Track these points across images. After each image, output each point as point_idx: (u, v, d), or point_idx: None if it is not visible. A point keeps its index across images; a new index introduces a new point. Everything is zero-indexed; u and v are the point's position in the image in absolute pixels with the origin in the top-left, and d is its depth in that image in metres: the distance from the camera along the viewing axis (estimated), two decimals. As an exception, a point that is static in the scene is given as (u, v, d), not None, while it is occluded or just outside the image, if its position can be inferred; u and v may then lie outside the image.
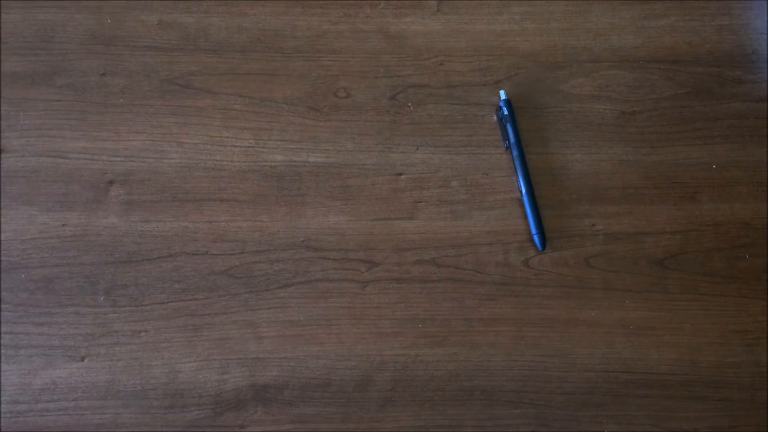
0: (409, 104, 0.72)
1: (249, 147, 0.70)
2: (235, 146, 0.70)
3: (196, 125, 0.70)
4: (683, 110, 0.73)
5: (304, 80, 0.73)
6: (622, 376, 0.64)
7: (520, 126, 0.71)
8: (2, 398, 0.61)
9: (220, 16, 0.75)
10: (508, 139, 0.70)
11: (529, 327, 0.65)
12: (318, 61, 0.73)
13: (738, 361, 0.65)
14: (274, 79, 0.72)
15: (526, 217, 0.68)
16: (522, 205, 0.68)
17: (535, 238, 0.67)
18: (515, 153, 0.70)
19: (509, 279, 0.66)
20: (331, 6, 0.76)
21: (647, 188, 0.70)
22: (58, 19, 0.73)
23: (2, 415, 0.60)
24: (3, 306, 0.63)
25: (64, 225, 0.66)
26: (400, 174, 0.70)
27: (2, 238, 0.65)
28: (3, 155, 0.68)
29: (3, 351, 0.62)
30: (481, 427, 0.62)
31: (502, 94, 0.72)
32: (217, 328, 0.63)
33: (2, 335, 0.62)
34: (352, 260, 0.66)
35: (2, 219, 0.66)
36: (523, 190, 0.68)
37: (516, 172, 0.69)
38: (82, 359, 0.62)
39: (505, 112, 0.71)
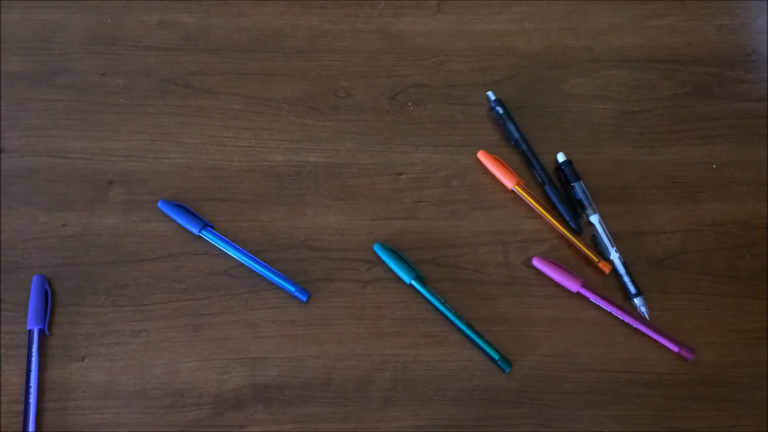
0: (409, 104, 0.72)
1: (249, 147, 0.70)
2: (235, 146, 0.70)
3: (196, 125, 0.70)
4: (683, 110, 0.73)
5: (304, 80, 0.73)
6: (622, 376, 0.64)
7: (519, 126, 0.71)
8: (2, 398, 0.61)
9: (220, 16, 0.75)
10: (512, 136, 0.70)
11: (529, 327, 0.65)
12: (318, 61, 0.73)
13: (738, 361, 0.65)
14: (274, 79, 0.72)
15: (524, 217, 0.68)
16: (523, 205, 0.69)
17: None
18: (524, 147, 0.70)
19: (509, 279, 0.66)
20: (331, 6, 0.76)
21: (647, 188, 0.70)
22: (58, 19, 0.73)
23: (2, 415, 0.60)
24: (3, 306, 0.63)
25: (64, 225, 0.66)
26: (400, 174, 0.70)
27: (2, 238, 0.65)
28: (3, 155, 0.68)
29: (3, 351, 0.62)
30: (481, 427, 0.62)
31: (491, 95, 0.72)
32: (217, 328, 0.63)
33: (2, 335, 0.62)
34: (352, 260, 0.66)
35: (2, 219, 0.66)
36: (544, 183, 0.69)
37: (531, 165, 0.69)
38: (82, 359, 0.62)
39: (500, 111, 0.71)
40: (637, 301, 0.65)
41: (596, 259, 0.66)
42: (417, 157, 0.70)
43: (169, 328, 0.63)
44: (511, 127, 0.70)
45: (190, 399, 0.61)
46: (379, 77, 0.73)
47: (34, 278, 0.63)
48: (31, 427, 0.59)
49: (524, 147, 0.70)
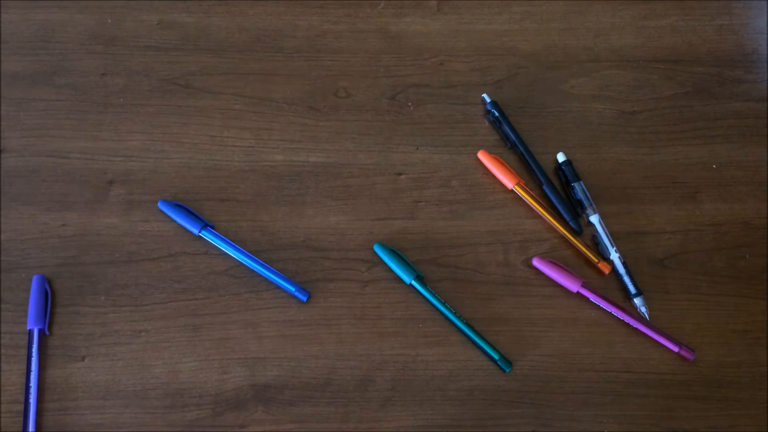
0: (409, 104, 0.72)
1: (249, 147, 0.70)
2: (235, 146, 0.70)
3: (196, 125, 0.70)
4: (683, 110, 0.73)
5: (304, 80, 0.73)
6: (622, 376, 0.64)
7: (519, 126, 0.71)
8: (2, 398, 0.61)
9: (220, 16, 0.75)
10: (509, 139, 0.70)
11: (529, 327, 0.65)
12: (318, 61, 0.73)
13: (738, 361, 0.65)
14: (274, 79, 0.72)
15: (524, 217, 0.68)
16: (523, 205, 0.69)
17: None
18: (522, 149, 0.69)
19: (509, 279, 0.66)
20: (331, 6, 0.76)
21: (647, 188, 0.70)
22: (58, 19, 0.73)
23: (2, 415, 0.60)
24: (3, 306, 0.63)
25: (64, 225, 0.66)
26: (400, 174, 0.70)
27: (2, 238, 0.65)
28: (3, 155, 0.68)
29: (3, 351, 0.62)
30: (481, 427, 0.62)
31: (486, 98, 0.71)
32: (217, 328, 0.63)
33: (2, 335, 0.62)
34: (352, 260, 0.66)
35: (2, 219, 0.66)
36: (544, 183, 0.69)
37: (530, 166, 0.69)
38: (82, 359, 0.62)
39: (496, 114, 0.71)
40: (637, 301, 0.65)
41: (596, 260, 0.66)
42: (417, 157, 0.70)
43: (169, 328, 0.63)
44: (507, 130, 0.70)
45: (190, 399, 0.61)
46: (379, 77, 0.73)
47: (34, 278, 0.63)
48: (31, 427, 0.59)
49: (521, 149, 0.70)
